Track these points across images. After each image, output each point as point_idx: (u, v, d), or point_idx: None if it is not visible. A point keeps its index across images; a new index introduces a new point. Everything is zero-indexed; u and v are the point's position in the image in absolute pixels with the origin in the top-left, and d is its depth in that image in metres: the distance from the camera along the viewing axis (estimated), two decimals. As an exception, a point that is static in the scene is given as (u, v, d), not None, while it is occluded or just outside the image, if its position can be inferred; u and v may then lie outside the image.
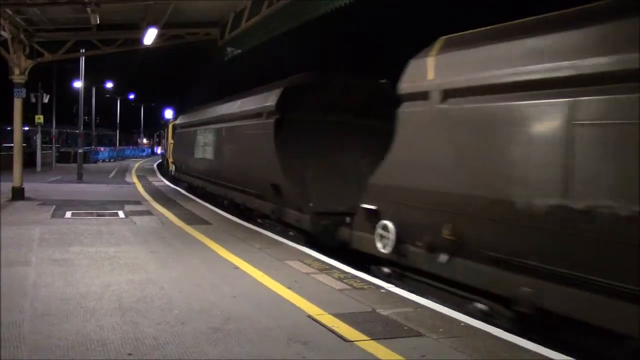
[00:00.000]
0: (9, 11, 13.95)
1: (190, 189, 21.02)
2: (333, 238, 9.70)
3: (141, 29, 15.66)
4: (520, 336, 5.29)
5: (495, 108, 6.39)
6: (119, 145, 65.94)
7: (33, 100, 29.03)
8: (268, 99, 12.14)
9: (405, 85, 7.85)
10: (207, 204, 16.07)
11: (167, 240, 10.09)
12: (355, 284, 7.17)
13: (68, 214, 13.06)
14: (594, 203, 5.10)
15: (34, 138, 32.49)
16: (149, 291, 6.54)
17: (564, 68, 5.52)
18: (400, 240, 7.69)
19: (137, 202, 16.00)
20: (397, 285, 7.14)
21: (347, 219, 9.10)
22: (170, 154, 28.71)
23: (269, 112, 11.86)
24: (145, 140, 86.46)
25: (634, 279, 4.65)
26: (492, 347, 5.00)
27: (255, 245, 9.75)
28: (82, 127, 28.00)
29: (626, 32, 5.09)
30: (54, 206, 14.34)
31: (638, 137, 4.74)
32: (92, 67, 32.41)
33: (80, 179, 24.18)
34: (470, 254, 6.56)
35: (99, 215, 13.09)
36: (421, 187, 7.39)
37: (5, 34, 15.06)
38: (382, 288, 7.02)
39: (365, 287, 7.07)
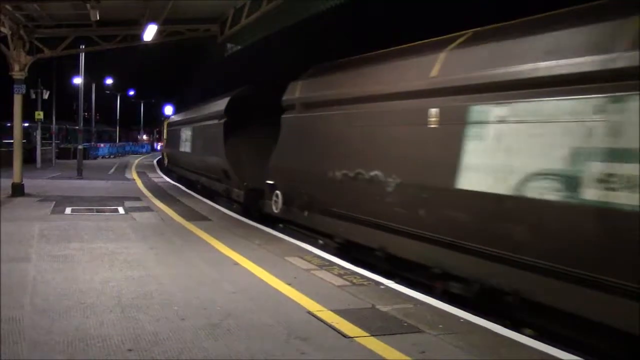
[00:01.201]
0: (8, 7, 13.92)
1: (179, 178, 24.34)
2: (256, 207, 13.22)
3: (141, 25, 15.62)
4: (521, 333, 5.30)
5: (320, 116, 10.31)
6: (119, 141, 65.87)
7: (33, 96, 28.93)
8: (220, 105, 16.26)
9: (285, 99, 11.83)
10: (206, 200, 16.08)
11: (166, 236, 10.09)
12: (355, 280, 7.17)
13: (68, 210, 13.06)
14: (357, 171, 8.78)
15: (34, 134, 32.45)
16: (149, 287, 6.54)
17: (344, 93, 9.59)
18: (285, 203, 11.38)
19: (137, 199, 16.00)
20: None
21: None
22: (165, 149, 34.11)
23: (219, 115, 15.92)
24: (145, 137, 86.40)
25: (380, 215, 8.23)
26: (491, 343, 5.00)
27: (255, 241, 9.75)
28: (81, 123, 27.98)
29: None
30: (54, 202, 14.33)
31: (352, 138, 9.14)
32: (92, 63, 32.36)
33: (80, 175, 24.16)
34: (317, 210, 10.18)
35: (98, 211, 13.09)
36: (292, 167, 11.20)
37: (5, 30, 15.04)
38: (382, 284, 7.03)
39: (365, 283, 7.08)
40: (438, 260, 7.15)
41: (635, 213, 4.83)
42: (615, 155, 5.08)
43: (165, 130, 34.03)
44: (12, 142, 17.33)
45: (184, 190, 19.25)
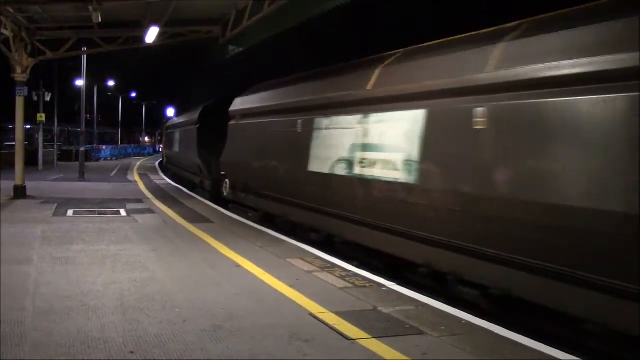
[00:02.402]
0: (10, 9, 13.94)
1: (174, 174, 28.06)
2: (218, 193, 16.70)
3: (143, 27, 15.64)
4: (522, 334, 5.30)
5: (249, 124, 14.22)
6: (121, 143, 65.91)
7: (35, 98, 28.97)
8: (195, 114, 20.86)
9: (230, 110, 15.85)
10: (208, 202, 16.09)
11: (168, 238, 10.10)
12: (357, 282, 7.17)
13: (70, 212, 13.07)
14: (266, 162, 12.61)
15: (36, 136, 32.47)
16: (151, 289, 6.55)
17: (259, 108, 13.62)
18: (231, 188, 15.41)
19: (139, 201, 16.01)
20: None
21: None
22: (163, 150, 39.76)
23: (195, 122, 20.36)
24: (147, 139, 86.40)
25: (278, 192, 11.85)
26: (493, 344, 5.00)
27: (257, 243, 9.75)
28: (84, 125, 28.00)
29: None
30: (56, 204, 14.35)
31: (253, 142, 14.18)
32: (94, 65, 32.40)
33: (82, 177, 24.20)
34: (249, 191, 13.88)
35: (100, 213, 13.10)
36: (234, 161, 15.13)
37: (7, 32, 15.05)
38: (384, 286, 7.02)
39: (367, 285, 7.07)
40: (305, 219, 10.75)
41: (374, 180, 8.29)
42: (365, 148, 8.64)
43: (164, 133, 39.93)
44: (14, 144, 17.34)
45: (185, 192, 19.27)
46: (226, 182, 15.55)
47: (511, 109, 6.08)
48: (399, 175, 7.66)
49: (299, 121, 11.06)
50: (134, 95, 75.64)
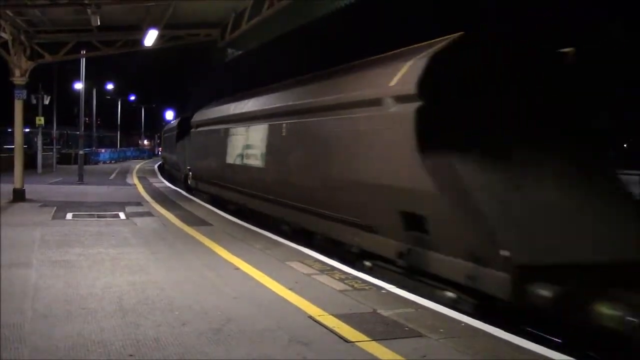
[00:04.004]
0: (9, 13, 13.95)
1: (170, 176, 31.17)
2: (190, 184, 21.00)
3: (141, 30, 15.64)
4: (521, 336, 5.30)
5: (201, 131, 18.98)
6: (120, 146, 65.90)
7: (34, 101, 28.91)
8: (175, 123, 28.99)
9: (192, 120, 20.88)
10: (207, 205, 16.09)
11: (168, 241, 10.09)
12: (356, 285, 7.16)
13: (69, 216, 13.07)
14: (211, 158, 17.33)
15: (35, 140, 32.47)
16: (150, 292, 6.54)
17: (205, 119, 19.03)
18: (193, 178, 20.13)
19: (138, 204, 16.01)
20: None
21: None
22: (162, 152, 47.29)
23: (175, 129, 27.58)
24: (146, 142, 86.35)
25: (219, 180, 16.72)
26: (493, 347, 5.00)
27: (256, 246, 9.75)
28: (82, 128, 27.98)
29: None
30: (55, 207, 14.35)
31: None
32: (93, 68, 32.39)
33: (81, 180, 24.18)
34: (204, 181, 18.55)
35: (100, 216, 13.09)
36: (193, 158, 20.40)
37: (6, 36, 15.06)
38: (383, 289, 7.02)
39: (366, 287, 7.07)
40: (229, 197, 15.45)
41: (251, 167, 12.93)
42: (248, 147, 13.26)
43: (162, 137, 46.18)
44: (13, 148, 17.34)
45: (184, 195, 19.28)
46: (190, 174, 20.76)
47: (289, 124, 10.91)
48: (259, 163, 12.43)
49: (222, 129, 15.77)
50: (133, 98, 75.62)
